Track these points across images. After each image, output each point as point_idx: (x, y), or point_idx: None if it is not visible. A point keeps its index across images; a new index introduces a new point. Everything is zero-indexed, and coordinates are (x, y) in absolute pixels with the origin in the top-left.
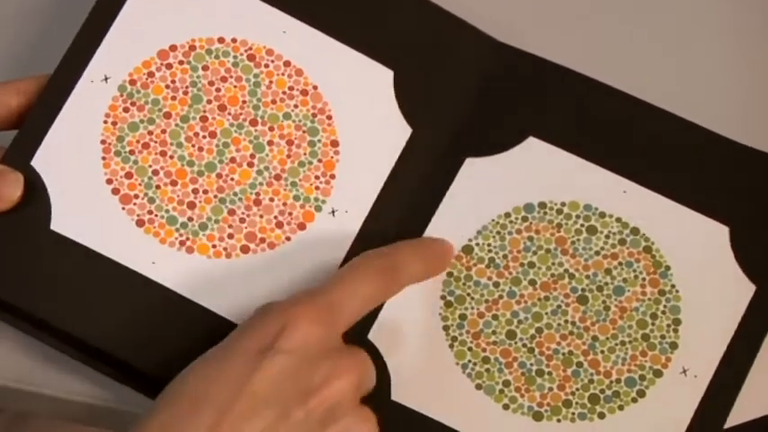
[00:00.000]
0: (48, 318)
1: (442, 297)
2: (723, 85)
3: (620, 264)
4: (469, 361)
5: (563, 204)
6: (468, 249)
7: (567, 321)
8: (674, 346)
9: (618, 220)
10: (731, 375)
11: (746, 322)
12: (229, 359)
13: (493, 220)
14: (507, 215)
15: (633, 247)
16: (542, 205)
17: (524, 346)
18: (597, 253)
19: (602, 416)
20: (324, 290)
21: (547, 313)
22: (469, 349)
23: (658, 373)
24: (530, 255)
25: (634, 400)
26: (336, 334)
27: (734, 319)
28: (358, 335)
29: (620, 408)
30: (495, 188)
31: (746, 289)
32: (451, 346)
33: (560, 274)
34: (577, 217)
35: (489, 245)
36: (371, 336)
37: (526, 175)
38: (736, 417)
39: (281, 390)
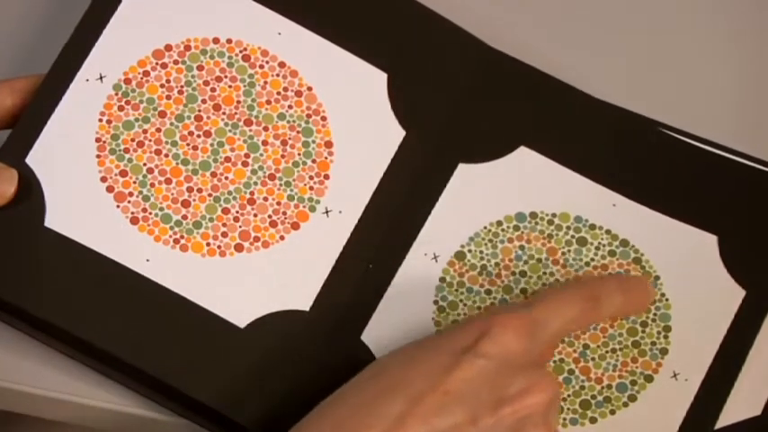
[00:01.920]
0: (40, 314)
1: (435, 302)
2: (716, 91)
3: (610, 274)
4: None
5: (554, 215)
6: (460, 256)
7: None
8: (664, 351)
9: (608, 232)
10: (722, 378)
11: (736, 326)
12: (429, 353)
13: (485, 228)
14: (499, 223)
15: (623, 259)
16: (533, 215)
17: None
18: (587, 264)
19: (593, 420)
20: (530, 305)
21: None
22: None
23: (649, 378)
24: (521, 264)
25: (625, 405)
26: (537, 349)
27: (724, 323)
28: (352, 336)
29: (612, 412)
30: (487, 195)
31: (736, 294)
32: None
33: (551, 283)
34: (568, 228)
35: (481, 252)
36: (365, 337)
37: (518, 185)
38: (725, 418)
39: (476, 392)
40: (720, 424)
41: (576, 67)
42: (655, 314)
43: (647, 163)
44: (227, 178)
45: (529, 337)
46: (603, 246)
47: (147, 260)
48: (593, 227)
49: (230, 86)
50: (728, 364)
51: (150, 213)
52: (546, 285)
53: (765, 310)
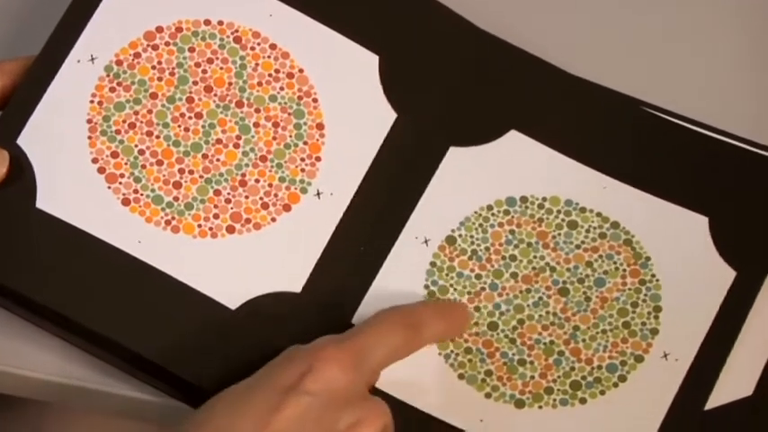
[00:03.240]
0: (32, 295)
1: (426, 287)
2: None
3: (601, 256)
4: (452, 351)
5: (544, 199)
6: (451, 240)
7: (548, 313)
8: (654, 332)
9: (598, 214)
10: (712, 358)
11: (727, 306)
12: (254, 395)
13: (475, 212)
14: (489, 207)
15: (614, 241)
16: (524, 199)
17: (506, 337)
18: (578, 246)
19: (583, 401)
20: (351, 337)
21: (528, 305)
22: (452, 339)
23: (639, 359)
24: (511, 248)
25: (615, 385)
26: (362, 381)
27: (714, 303)
28: (343, 319)
29: (602, 393)
30: (477, 179)
31: (726, 274)
32: None
33: (542, 267)
34: (558, 212)
35: (472, 236)
36: (356, 320)
37: (508, 169)
38: (716, 398)
39: (303, 431)
40: (711, 404)
41: (566, 51)
42: (645, 295)
43: (637, 145)
44: (218, 160)
45: (353, 369)
46: (594, 228)
47: (139, 241)
48: (583, 210)
49: (222, 68)
50: (719, 345)
51: (142, 195)
52: (536, 269)
53: (756, 290)
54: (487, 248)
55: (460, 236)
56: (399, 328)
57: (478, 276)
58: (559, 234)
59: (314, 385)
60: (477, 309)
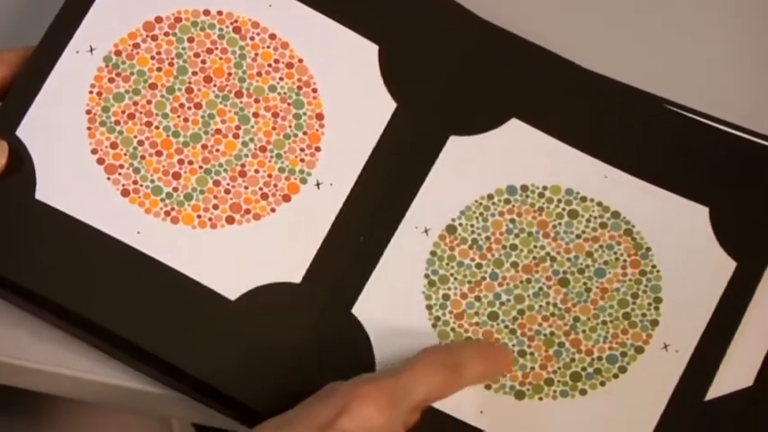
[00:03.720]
0: (31, 286)
1: (426, 276)
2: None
3: (602, 247)
4: (453, 341)
5: (545, 188)
6: (451, 229)
7: (548, 303)
8: (654, 323)
9: (599, 204)
10: (712, 349)
11: (727, 297)
12: (292, 430)
13: (476, 201)
14: (490, 197)
15: (614, 231)
16: (524, 188)
17: (506, 327)
18: (578, 236)
19: (583, 392)
20: (390, 375)
21: (529, 295)
22: (452, 330)
23: (640, 350)
24: (512, 237)
25: (615, 377)
26: (398, 421)
27: (715, 294)
28: (343, 309)
29: (602, 384)
30: (478, 168)
31: (727, 265)
32: (434, 326)
33: (542, 256)
34: (559, 201)
35: (472, 226)
36: (355, 310)
37: (509, 157)
38: (717, 389)
39: None
40: (712, 395)
41: (567, 40)
42: (646, 286)
43: (638, 134)
44: (218, 150)
45: (390, 409)
46: (595, 218)
47: (138, 232)
48: (584, 199)
49: (221, 58)
50: (719, 336)
51: (141, 185)
52: (536, 259)
53: (756, 281)
54: (488, 237)
55: (461, 225)
56: (440, 368)
57: (479, 266)
58: (560, 224)
59: (350, 424)
60: (478, 298)
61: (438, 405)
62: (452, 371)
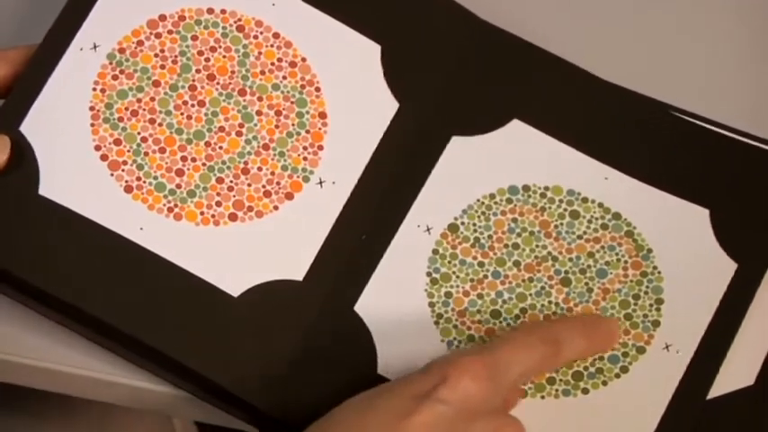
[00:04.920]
0: (34, 282)
1: (428, 274)
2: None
3: (603, 247)
4: (455, 338)
5: (546, 188)
6: (453, 228)
7: (550, 302)
8: (656, 324)
9: (600, 205)
10: (713, 350)
11: (728, 299)
12: (386, 399)
13: (478, 200)
14: (492, 196)
15: (615, 232)
16: (526, 188)
17: (509, 325)
18: (580, 237)
19: (585, 391)
20: (489, 348)
21: (531, 294)
22: (455, 327)
23: (641, 350)
24: (514, 236)
25: (617, 376)
26: (497, 394)
27: (716, 296)
28: (345, 307)
29: (604, 383)
30: (480, 168)
31: (728, 267)
32: (437, 323)
33: (544, 256)
34: (560, 201)
35: (475, 224)
36: (357, 308)
37: (510, 158)
38: (718, 388)
39: None
40: (713, 394)
41: (568, 40)
42: (647, 287)
43: (639, 136)
44: (221, 148)
45: (489, 382)
46: (596, 219)
47: (141, 229)
48: (585, 200)
49: (224, 56)
50: (720, 337)
51: (144, 182)
52: (538, 258)
53: (757, 283)
54: (490, 236)
55: (463, 224)
56: (539, 343)
57: (481, 264)
58: (561, 224)
59: (448, 394)
60: (480, 296)
61: None
62: (552, 346)
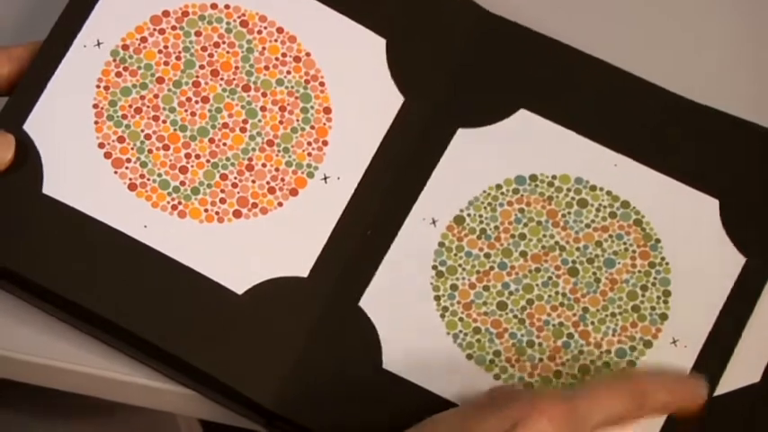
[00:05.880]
0: (38, 280)
1: (434, 267)
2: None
3: (611, 236)
4: (460, 331)
5: (554, 177)
6: (459, 220)
7: (557, 293)
8: (663, 317)
9: (608, 193)
10: (721, 345)
11: (736, 293)
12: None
13: (484, 192)
14: (498, 187)
15: (624, 220)
16: (533, 178)
17: (515, 317)
18: (588, 226)
19: None
20: (573, 395)
21: (537, 285)
22: (460, 320)
23: (648, 344)
24: (521, 227)
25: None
26: None
27: (724, 290)
28: (350, 303)
29: None
30: (486, 159)
31: (736, 260)
32: (443, 316)
33: (551, 246)
34: (568, 190)
35: (481, 216)
36: (363, 303)
37: (517, 148)
38: (724, 385)
39: None
40: (719, 391)
41: (572, 30)
42: (655, 278)
43: (649, 123)
44: (225, 144)
45: (567, 429)
46: (604, 207)
47: (145, 226)
48: (593, 188)
49: (228, 52)
50: (728, 332)
51: (148, 179)
52: (545, 248)
53: (765, 277)
54: (496, 227)
55: (469, 215)
56: (625, 394)
57: (487, 255)
58: (569, 213)
59: None
60: (486, 288)
61: (447, 394)
62: (636, 399)
